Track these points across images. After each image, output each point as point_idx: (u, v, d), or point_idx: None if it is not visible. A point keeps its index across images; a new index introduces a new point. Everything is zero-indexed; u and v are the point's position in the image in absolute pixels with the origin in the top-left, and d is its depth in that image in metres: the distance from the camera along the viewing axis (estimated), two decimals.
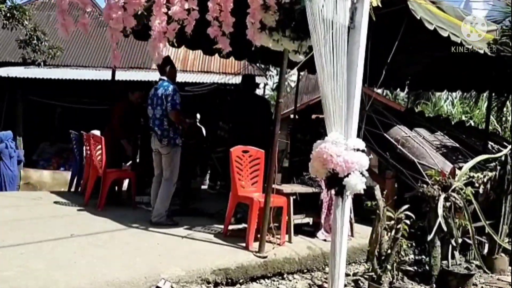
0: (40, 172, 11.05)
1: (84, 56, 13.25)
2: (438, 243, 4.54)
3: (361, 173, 2.25)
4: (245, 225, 4.64)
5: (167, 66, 5.20)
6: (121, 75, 10.09)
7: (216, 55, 8.90)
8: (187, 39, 7.38)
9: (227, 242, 4.44)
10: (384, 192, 3.94)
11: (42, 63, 9.58)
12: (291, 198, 4.66)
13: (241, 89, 6.61)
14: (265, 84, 14.75)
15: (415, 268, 4.82)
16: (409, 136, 5.87)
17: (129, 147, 6.17)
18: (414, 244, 5.07)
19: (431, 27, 4.69)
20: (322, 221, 4.88)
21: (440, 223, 4.27)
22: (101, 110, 6.97)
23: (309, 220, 5.08)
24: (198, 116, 7.57)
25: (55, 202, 6.06)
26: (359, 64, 2.22)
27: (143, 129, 6.27)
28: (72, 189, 7.42)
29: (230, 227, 4.79)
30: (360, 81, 2.26)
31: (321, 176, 2.35)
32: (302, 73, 9.85)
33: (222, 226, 4.84)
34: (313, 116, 7.04)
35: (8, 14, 8.36)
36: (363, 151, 2.28)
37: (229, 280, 3.84)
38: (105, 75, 9.95)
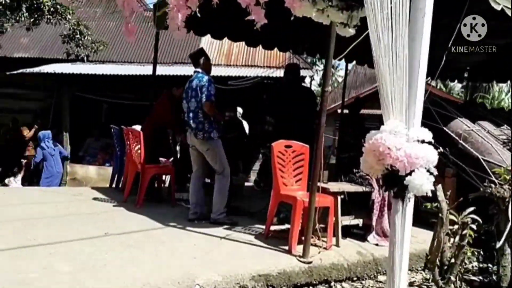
0: (86, 167, 11.14)
1: (130, 51, 13.28)
2: (508, 250, 3.97)
3: (428, 171, 1.81)
4: (288, 226, 4.28)
5: (201, 58, 4.95)
6: (164, 70, 9.97)
7: (260, 48, 8.61)
8: (230, 32, 7.29)
9: (269, 245, 4.08)
10: (448, 193, 3.44)
11: (85, 58, 9.63)
12: (339, 198, 4.24)
13: (284, 80, 6.21)
14: (312, 79, 14.24)
15: (480, 278, 4.27)
16: (472, 130, 5.27)
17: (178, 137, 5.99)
18: (479, 250, 4.51)
19: (497, 7, 4.11)
20: (374, 223, 4.43)
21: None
22: (144, 106, 6.85)
23: (359, 221, 4.65)
24: (240, 110, 7.26)
25: (95, 199, 5.93)
26: (424, 35, 1.79)
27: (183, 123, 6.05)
28: (114, 185, 7.32)
29: (272, 228, 4.43)
30: (426, 56, 1.83)
31: (377, 173, 1.93)
32: (349, 67, 9.34)
33: (263, 227, 4.50)
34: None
35: (51, 9, 8.40)
36: (429, 143, 1.83)
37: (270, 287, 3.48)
38: (149, 70, 9.86)
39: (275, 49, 8.64)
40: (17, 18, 10.35)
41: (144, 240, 4.06)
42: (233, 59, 12.82)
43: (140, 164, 5.58)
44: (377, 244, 4.36)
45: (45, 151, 9.28)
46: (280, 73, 11.14)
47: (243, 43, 7.92)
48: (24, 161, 10.04)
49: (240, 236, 4.35)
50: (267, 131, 6.22)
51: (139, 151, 5.61)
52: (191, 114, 4.79)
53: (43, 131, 9.73)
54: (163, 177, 6.52)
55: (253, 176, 8.67)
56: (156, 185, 6.19)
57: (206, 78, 4.78)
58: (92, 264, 3.33)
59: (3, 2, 7.24)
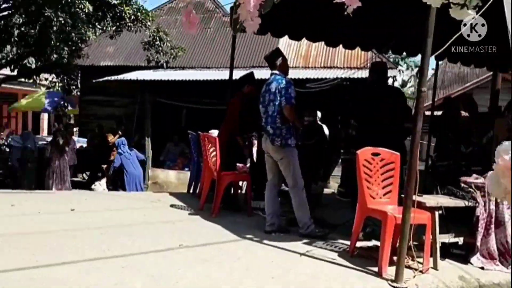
0: (166, 172, 11.32)
1: (208, 57, 13.36)
2: None
3: None
4: (376, 243, 3.82)
5: (278, 59, 4.61)
6: (241, 74, 9.80)
7: (340, 48, 8.15)
8: (309, 32, 6.93)
9: (354, 265, 3.64)
10: None
11: (165, 64, 9.76)
12: (436, 213, 3.70)
13: (369, 80, 5.71)
14: (394, 79, 13.40)
15: None
16: None
17: (244, 144, 5.70)
18: None
19: None
20: (478, 243, 3.82)
21: None
22: (222, 110, 6.74)
23: (458, 240, 4.05)
24: (319, 114, 6.84)
25: (172, 206, 5.85)
26: None
27: (259, 128, 5.76)
28: (191, 191, 7.24)
29: (358, 244, 3.98)
30: None
31: None
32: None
33: (347, 242, 4.07)
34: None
35: (132, 17, 8.60)
36: None
37: None
38: (227, 75, 9.79)
39: (357, 48, 8.14)
40: (103, 27, 10.81)
41: (218, 254, 3.81)
42: (311, 61, 12.41)
43: (216, 171, 5.38)
44: (482, 268, 3.77)
45: (122, 156, 9.60)
46: (361, 74, 10.57)
47: (322, 44, 7.52)
48: (104, 166, 10.41)
49: (321, 252, 3.95)
50: (350, 135, 5.76)
51: (214, 158, 5.42)
52: (269, 119, 4.49)
53: (120, 138, 10.09)
54: (240, 183, 6.31)
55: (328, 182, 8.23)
56: (232, 192, 5.97)
57: (285, 80, 4.45)
58: (165, 281, 3.12)
59: (87, 11, 7.48)
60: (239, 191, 6.27)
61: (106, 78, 11.29)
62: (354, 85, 10.13)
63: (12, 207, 5.36)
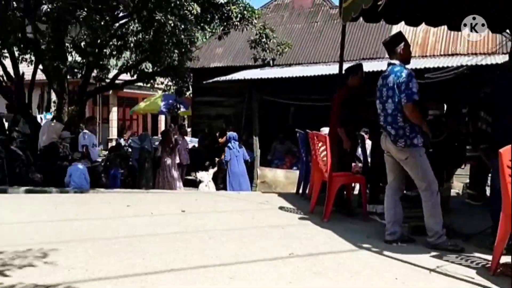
0: (274, 171, 11.16)
1: (316, 52, 12.94)
2: None
3: None
4: None
5: (399, 45, 4.00)
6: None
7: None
8: (429, 16, 6.21)
9: (498, 285, 3.02)
10: None
11: (271, 61, 9.59)
12: None
13: (506, 66, 4.87)
14: None
15: None
16: None
17: (346, 138, 5.20)
18: None
19: None
20: None
21: None
22: (329, 107, 6.37)
23: None
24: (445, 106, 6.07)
25: (280, 208, 5.59)
26: None
27: (373, 124, 5.23)
28: (300, 191, 6.93)
29: (502, 259, 3.32)
30: None
31: None
32: None
33: (485, 257, 3.44)
34: None
35: (239, 16, 8.53)
36: None
37: None
38: (336, 69, 9.32)
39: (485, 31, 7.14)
40: (212, 29, 10.99)
41: (333, 266, 3.42)
42: (429, 49, 11.34)
43: (326, 172, 4.99)
44: None
45: (231, 151, 9.67)
46: (491, 60, 9.35)
47: (441, 29, 6.70)
48: (217, 159, 10.58)
49: (455, 268, 3.36)
50: (480, 129, 4.97)
51: (325, 158, 5.03)
52: (388, 118, 3.94)
53: (232, 132, 10.21)
54: (353, 185, 5.84)
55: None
56: (345, 195, 5.53)
57: (406, 72, 3.84)
58: None
59: (195, 13, 7.54)
60: (352, 192, 5.80)
61: (215, 79, 11.48)
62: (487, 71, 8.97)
63: (128, 207, 5.53)
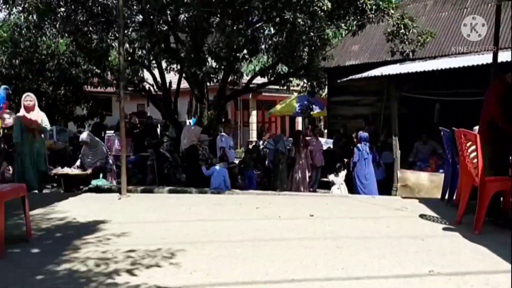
0: (417, 173, 10.19)
1: (465, 40, 11.56)
2: None
3: None
4: None
5: None
6: (509, 56, 7.99)
7: None
8: None
9: None
10: None
11: (410, 54, 8.78)
12: None
13: None
14: None
15: None
16: None
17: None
18: None
19: None
20: None
21: None
22: (481, 102, 5.51)
23: None
24: None
25: (421, 216, 4.98)
26: None
27: None
28: (446, 197, 6.14)
29: None
30: None
31: None
32: None
33: None
34: None
35: (374, 7, 7.94)
36: None
37: None
38: (490, 58, 8.16)
39: None
40: (348, 26, 10.55)
41: None
42: None
43: (477, 177, 4.26)
44: None
45: (360, 152, 9.34)
46: None
47: None
48: (345, 160, 10.18)
49: None
50: None
51: (475, 160, 4.31)
52: None
53: (362, 132, 9.83)
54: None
55: None
56: (502, 202, 4.70)
57: None
58: None
59: (325, 8, 7.21)
60: (510, 200, 4.91)
61: (350, 77, 11.00)
62: None
63: (257, 210, 5.47)
